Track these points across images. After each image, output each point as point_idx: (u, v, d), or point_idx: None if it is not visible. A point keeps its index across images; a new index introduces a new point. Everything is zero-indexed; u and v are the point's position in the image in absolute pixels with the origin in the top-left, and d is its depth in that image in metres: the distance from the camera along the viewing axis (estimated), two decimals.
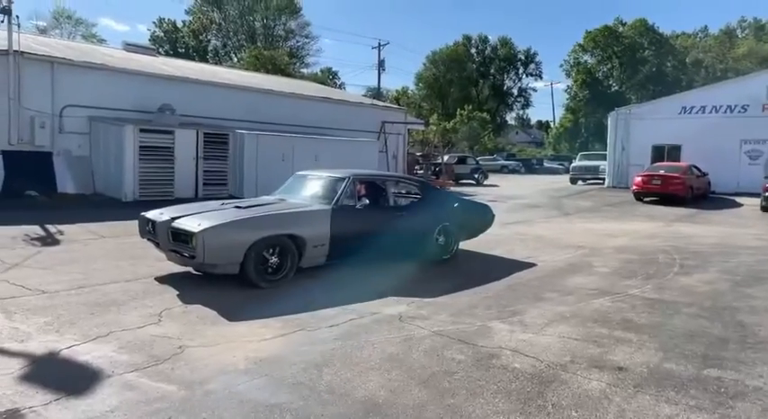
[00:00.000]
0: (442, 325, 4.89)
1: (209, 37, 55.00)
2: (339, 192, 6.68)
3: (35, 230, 9.01)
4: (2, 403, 3.16)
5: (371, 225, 6.76)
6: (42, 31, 42.46)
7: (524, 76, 69.49)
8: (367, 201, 7.16)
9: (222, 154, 15.27)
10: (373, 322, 4.93)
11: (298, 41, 56.75)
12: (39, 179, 12.72)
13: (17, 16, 13.28)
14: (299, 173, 7.73)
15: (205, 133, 14.91)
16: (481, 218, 8.24)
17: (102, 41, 46.08)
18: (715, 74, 51.91)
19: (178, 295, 5.55)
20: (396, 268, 6.79)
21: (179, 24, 53.47)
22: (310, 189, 7.12)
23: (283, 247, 5.99)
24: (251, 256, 5.70)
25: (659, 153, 23.84)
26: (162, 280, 6.14)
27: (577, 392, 3.56)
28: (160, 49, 40.46)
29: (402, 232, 6.96)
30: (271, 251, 5.91)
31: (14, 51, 12.99)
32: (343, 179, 6.89)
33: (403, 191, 8.20)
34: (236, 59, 51.32)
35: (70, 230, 9.19)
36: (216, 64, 41.87)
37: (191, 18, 54.06)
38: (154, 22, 53.77)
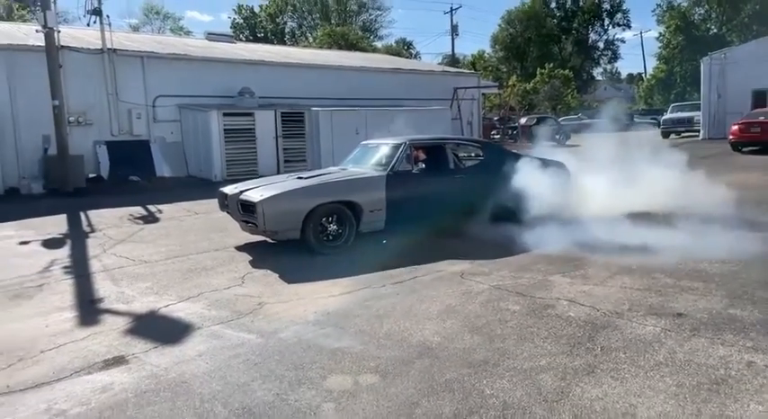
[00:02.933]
0: (502, 279, 5.03)
1: (285, 19, 56.35)
2: (395, 158, 6.84)
3: (138, 211, 10.02)
4: (110, 351, 3.74)
5: (429, 188, 6.83)
6: (135, 29, 45.58)
7: (611, 28, 65.09)
8: (423, 166, 7.25)
9: (300, 131, 15.92)
10: (435, 279, 5.17)
11: (370, 15, 56.79)
12: (139, 165, 13.98)
13: (107, 16, 14.47)
14: (364, 142, 7.99)
15: (282, 113, 15.58)
16: (555, 175, 8.06)
17: (188, 33, 48.68)
18: None
19: (259, 260, 6.08)
20: (459, 231, 6.89)
21: (256, 10, 55.17)
22: (371, 157, 7.34)
23: (341, 214, 6.28)
24: (310, 223, 6.06)
25: (761, 99, 21.72)
26: (244, 248, 6.72)
27: (629, 336, 3.62)
28: (240, 35, 42.17)
29: (462, 194, 6.96)
30: (329, 218, 6.23)
31: (108, 49, 14.21)
32: (399, 145, 7.02)
33: (465, 154, 8.17)
34: (311, 39, 52.30)
35: (168, 209, 10.13)
36: (293, 45, 43.02)
37: (267, 2, 55.55)
38: (234, 10, 55.92)
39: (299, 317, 4.25)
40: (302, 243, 6.18)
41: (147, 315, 4.49)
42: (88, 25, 14.41)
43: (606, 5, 63.65)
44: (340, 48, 35.63)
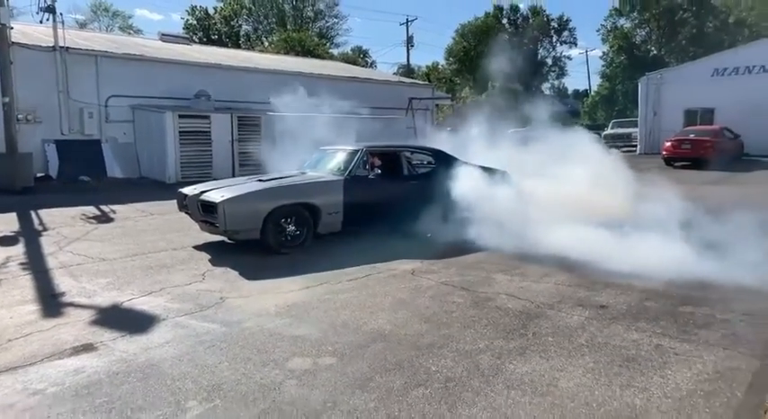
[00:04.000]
0: (449, 277, 5.47)
1: (240, 22, 55.86)
2: (352, 164, 7.22)
3: (91, 210, 9.96)
4: (77, 339, 3.92)
5: (384, 193, 7.19)
6: (82, 25, 44.16)
7: (558, 45, 67.93)
8: (379, 171, 7.60)
9: (256, 135, 16.04)
10: (388, 276, 5.55)
11: (327, 22, 57.04)
12: (90, 165, 13.78)
13: (61, 13, 14.24)
14: (322, 148, 8.30)
15: (239, 117, 15.68)
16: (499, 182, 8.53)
17: (138, 32, 47.56)
18: (760, 33, 49.58)
19: (217, 259, 6.29)
20: (411, 233, 7.30)
21: (211, 11, 54.46)
22: (328, 162, 7.68)
23: (300, 215, 6.59)
24: (269, 224, 6.33)
25: (692, 117, 23.41)
26: (203, 247, 6.91)
27: (558, 324, 4.10)
28: (194, 37, 41.56)
29: (415, 200, 7.27)
30: (288, 220, 6.51)
31: (60, 47, 13.97)
32: (356, 151, 7.40)
33: (419, 161, 8.44)
34: (267, 43, 52.09)
35: (121, 209, 10.11)
36: (248, 49, 42.73)
37: (221, 4, 54.96)
38: (187, 11, 54.97)
39: (260, 310, 4.53)
40: (262, 243, 6.44)
41: (110, 308, 4.65)
42: (41, 22, 14.12)
43: (554, 23, 66.45)
44: (297, 54, 35.78)
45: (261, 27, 56.98)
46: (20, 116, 12.44)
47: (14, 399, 3.05)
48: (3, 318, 4.34)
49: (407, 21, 46.28)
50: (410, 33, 46.18)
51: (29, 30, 15.15)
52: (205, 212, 6.55)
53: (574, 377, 3.23)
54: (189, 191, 7.08)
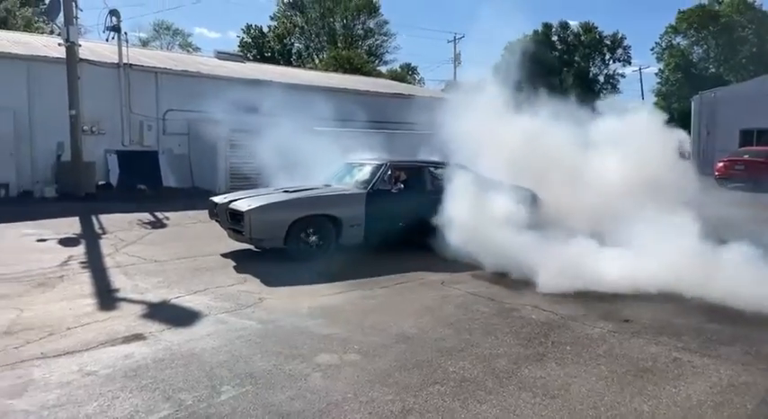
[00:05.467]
0: (477, 288, 5.62)
1: (292, 40, 57.70)
2: (375, 177, 7.39)
3: (146, 217, 10.60)
4: (128, 329, 4.30)
5: (406, 207, 7.28)
6: (144, 43, 46.69)
7: (611, 62, 66.76)
8: (401, 186, 7.67)
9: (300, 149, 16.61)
10: (418, 285, 5.76)
11: (376, 40, 58.18)
12: (147, 174, 14.60)
13: (125, 32, 15.30)
14: (348, 161, 8.39)
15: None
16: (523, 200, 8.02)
17: (196, 50, 49.83)
18: None
19: (258, 263, 6.62)
20: (441, 248, 7.31)
21: (265, 29, 56.53)
22: (353, 175, 7.85)
23: (322, 226, 6.80)
24: (292, 233, 6.56)
25: (748, 138, 22.60)
26: (246, 253, 7.26)
27: (578, 335, 4.20)
28: (248, 54, 43.21)
29: (436, 214, 7.06)
30: (311, 230, 6.72)
31: (124, 64, 14.97)
32: (380, 166, 7.57)
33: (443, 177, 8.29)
34: (317, 61, 53.55)
35: (174, 216, 10.72)
36: (299, 66, 44.11)
37: (275, 23, 56.98)
38: (242, 29, 57.21)
39: (294, 310, 4.82)
40: (285, 251, 6.64)
41: (159, 303, 5.04)
42: (107, 40, 15.18)
43: (607, 41, 65.38)
44: (345, 71, 36.65)
45: (312, 45, 58.64)
46: (85, 127, 13.38)
47: (71, 378, 3.42)
48: (64, 309, 4.79)
49: (455, 38, 46.66)
50: (457, 51, 46.45)
51: (97, 47, 16.29)
52: (233, 220, 6.85)
53: (586, 383, 3.34)
54: (219, 199, 7.42)
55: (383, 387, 3.27)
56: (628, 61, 66.66)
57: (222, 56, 22.82)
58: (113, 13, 14.79)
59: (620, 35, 64.70)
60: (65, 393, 3.20)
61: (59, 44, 13.04)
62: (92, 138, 13.88)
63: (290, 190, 7.42)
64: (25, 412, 2.98)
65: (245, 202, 6.81)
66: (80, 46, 13.21)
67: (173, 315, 4.70)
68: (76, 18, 13.37)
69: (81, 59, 13.45)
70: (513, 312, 4.78)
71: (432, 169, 8.06)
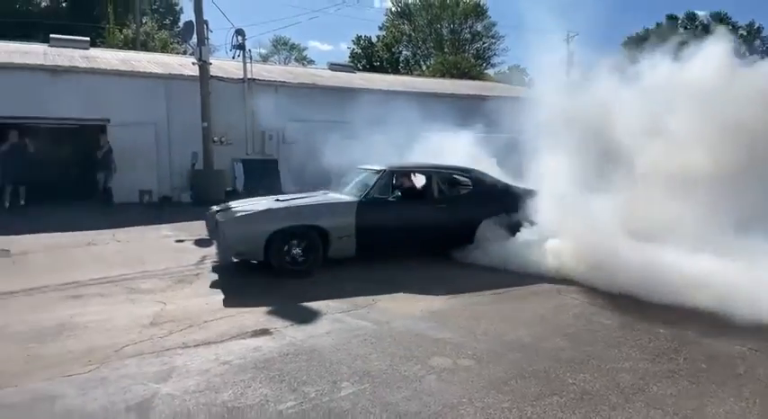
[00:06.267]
0: (595, 299, 5.34)
1: (400, 48, 58.72)
2: (371, 185, 6.82)
3: None
4: (256, 324, 4.62)
5: (406, 218, 6.70)
6: (264, 59, 49.96)
7: (747, 55, 60.40)
8: (399, 194, 7.13)
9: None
10: (530, 293, 5.60)
11: (484, 43, 57.50)
12: (268, 181, 15.60)
13: (249, 49, 16.50)
14: (358, 166, 7.76)
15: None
16: None
17: (310, 62, 52.41)
18: None
19: (373, 267, 6.63)
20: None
21: (374, 40, 58.09)
22: (355, 181, 7.35)
23: (308, 238, 6.24)
24: (273, 245, 6.08)
25: None
26: (362, 256, 7.49)
27: (714, 352, 3.86)
28: (358, 64, 44.64)
29: (441, 225, 6.78)
30: (295, 242, 6.18)
31: (248, 79, 16.14)
32: (379, 171, 6.99)
33: (454, 184, 7.61)
34: (424, 67, 54.01)
35: None
36: (406, 73, 44.79)
37: (384, 33, 58.34)
38: (352, 40, 59.29)
39: (407, 313, 4.91)
40: (267, 264, 6.21)
41: (283, 302, 5.35)
42: (233, 58, 16.47)
43: (742, 31, 59.25)
44: (452, 76, 36.62)
45: (419, 52, 59.25)
46: (215, 138, 14.60)
47: (209, 366, 3.76)
48: (200, 304, 5.26)
49: (569, 36, 44.74)
50: (571, 50, 44.50)
51: (224, 64, 17.70)
52: (216, 230, 6.62)
53: (724, 404, 3.08)
54: (215, 208, 7.14)
55: (499, 395, 3.24)
56: (767, 52, 59.92)
57: (335, 67, 23.80)
58: (239, 32, 16.02)
59: (756, 25, 58.35)
60: (204, 380, 3.53)
61: (193, 63, 14.36)
62: (221, 148, 15.09)
63: (282, 199, 7.05)
64: (170, 395, 3.33)
65: (228, 213, 6.58)
66: (211, 64, 14.45)
67: (294, 312, 4.97)
68: (207, 38, 14.68)
69: (211, 76, 14.72)
70: (638, 325, 4.50)
71: (444, 175, 7.40)
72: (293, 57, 57.29)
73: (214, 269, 6.80)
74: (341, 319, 4.76)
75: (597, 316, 4.77)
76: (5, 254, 7.55)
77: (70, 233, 7.37)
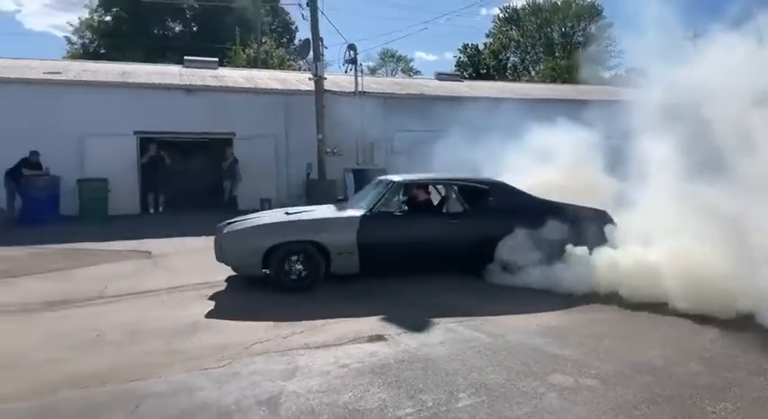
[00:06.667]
0: (731, 323, 4.86)
1: (507, 55, 57.64)
2: (378, 198, 6.47)
3: None
4: (372, 330, 4.73)
5: (413, 234, 6.33)
6: (372, 71, 51.43)
7: None
8: (407, 208, 6.74)
9: None
10: (653, 312, 5.21)
11: (598, 45, 54.77)
12: None
13: (361, 64, 17.07)
14: (379, 177, 7.46)
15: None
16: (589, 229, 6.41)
17: (416, 73, 53.13)
18: None
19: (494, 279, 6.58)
20: None
21: (480, 47, 57.56)
22: (367, 195, 7.06)
23: (307, 254, 6.01)
24: (273, 260, 5.92)
25: None
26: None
27: None
28: (464, 73, 44.46)
29: (454, 242, 6.36)
30: (295, 258, 5.99)
31: (359, 92, 16.69)
32: (388, 184, 6.65)
33: (471, 197, 7.01)
34: (533, 73, 52.54)
35: None
36: (514, 80, 43.82)
37: (491, 40, 57.62)
38: (459, 49, 59.21)
39: (522, 327, 4.78)
40: (267, 279, 6.10)
41: (396, 310, 5.42)
42: (345, 72, 17.12)
43: None
44: (563, 81, 35.25)
45: (528, 57, 57.76)
46: (328, 150, 15.25)
47: (329, 368, 3.92)
48: (318, 310, 5.48)
49: (695, 35, 41.33)
50: (696, 48, 41.03)
51: (336, 78, 18.45)
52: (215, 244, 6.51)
53: None
54: (225, 223, 6.77)
55: None
56: None
57: (442, 77, 23.91)
58: (351, 47, 16.63)
59: None
60: (325, 381, 3.68)
61: (309, 78, 15.14)
62: (333, 158, 15.73)
63: (291, 212, 6.82)
64: (296, 393, 3.51)
65: (233, 226, 6.43)
66: (325, 79, 15.14)
67: (407, 321, 5.01)
68: (322, 55, 15.43)
69: (325, 90, 15.41)
70: None
71: (459, 188, 6.92)
72: (400, 69, 58.37)
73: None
74: (453, 329, 4.74)
75: (738, 341, 4.33)
76: (147, 255, 8.42)
77: (204, 237, 8.03)
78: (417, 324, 4.91)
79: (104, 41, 35.85)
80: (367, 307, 5.47)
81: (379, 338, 4.53)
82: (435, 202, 7.36)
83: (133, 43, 33.35)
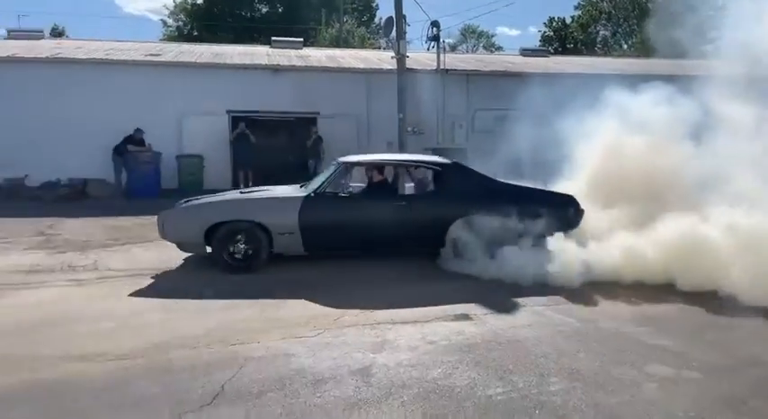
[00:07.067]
0: None
1: (597, 28, 54.58)
2: (323, 180, 6.40)
3: None
4: (455, 310, 4.72)
5: (357, 216, 6.18)
6: (452, 48, 50.49)
7: None
8: (351, 189, 6.67)
9: None
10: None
11: (701, 15, 50.64)
12: None
13: (443, 40, 16.79)
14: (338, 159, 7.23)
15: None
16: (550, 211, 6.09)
17: (498, 49, 51.59)
18: None
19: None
20: None
21: (568, 20, 54.85)
22: (321, 175, 6.99)
23: (251, 233, 5.98)
24: (217, 239, 5.94)
25: None
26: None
27: None
28: (549, 47, 42.61)
29: (399, 225, 6.15)
30: (240, 237, 5.97)
31: (441, 69, 16.47)
32: (337, 165, 6.56)
33: (422, 179, 6.99)
34: (625, 46, 49.49)
35: None
36: (604, 54, 41.53)
37: (579, 12, 54.72)
38: (544, 23, 56.71)
39: (616, 314, 4.63)
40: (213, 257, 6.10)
41: (481, 290, 5.40)
42: (427, 49, 16.94)
43: None
44: (661, 55, 32.90)
45: (620, 30, 54.40)
46: (408, 128, 15.23)
47: (417, 344, 3.99)
48: (403, 287, 5.57)
49: None
50: None
51: (417, 57, 18.33)
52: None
53: None
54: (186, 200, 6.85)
55: (736, 416, 2.89)
56: None
57: (527, 52, 23.09)
58: (434, 24, 16.37)
59: None
60: (414, 356, 3.76)
61: (392, 57, 15.12)
62: (413, 137, 15.70)
63: (245, 191, 6.88)
64: (386, 366, 3.61)
65: (181, 204, 6.55)
66: (408, 57, 15.06)
67: (493, 300, 4.96)
68: (405, 33, 15.32)
69: (407, 69, 15.34)
70: None
71: (409, 169, 6.80)
72: (481, 45, 56.89)
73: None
74: (541, 313, 4.67)
75: None
76: None
77: None
78: (504, 305, 4.87)
79: (197, 24, 37.58)
80: (451, 285, 5.51)
81: (465, 317, 4.54)
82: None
83: (224, 25, 34.75)
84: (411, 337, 4.11)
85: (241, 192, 6.91)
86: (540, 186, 6.86)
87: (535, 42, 50.53)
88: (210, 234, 5.98)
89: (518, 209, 5.98)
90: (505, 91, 16.70)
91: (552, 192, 6.61)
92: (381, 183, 6.85)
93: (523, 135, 14.92)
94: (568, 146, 10.52)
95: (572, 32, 54.90)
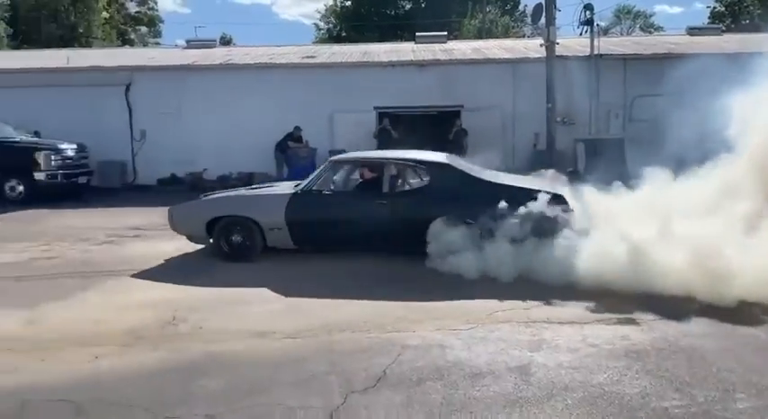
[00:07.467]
0: None
1: None
2: (311, 177, 6.71)
3: None
4: (619, 314, 4.45)
5: (340, 214, 6.33)
6: (605, 31, 47.04)
7: None
8: (333, 187, 6.79)
9: None
10: None
11: None
12: (612, 161, 14.74)
13: (598, 24, 15.72)
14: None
15: None
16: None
17: (658, 29, 47.03)
18: None
19: None
20: None
21: None
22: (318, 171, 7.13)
23: (246, 228, 6.47)
24: (217, 232, 6.53)
25: None
26: None
27: None
28: (722, 25, 37.89)
29: (381, 223, 6.15)
30: (237, 230, 6.48)
31: (595, 55, 15.45)
32: (326, 163, 6.94)
33: (408, 177, 6.95)
34: None
35: None
36: None
37: None
38: None
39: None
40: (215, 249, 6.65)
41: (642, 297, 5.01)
42: (580, 34, 15.99)
43: None
44: None
45: None
46: (558, 119, 14.57)
47: (578, 346, 3.83)
48: (556, 285, 5.35)
49: None
50: None
51: (566, 43, 17.33)
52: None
53: None
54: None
55: None
56: None
57: (694, 31, 20.78)
58: (587, 7, 15.40)
59: None
60: (575, 358, 3.62)
61: (541, 45, 14.54)
62: (562, 128, 14.99)
63: (252, 188, 7.77)
64: (545, 366, 3.52)
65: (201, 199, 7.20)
66: (558, 43, 14.38)
67: (658, 304, 4.57)
68: (554, 19, 14.62)
69: (557, 56, 14.64)
70: None
71: (397, 168, 6.71)
72: (638, 26, 52.29)
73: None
74: (720, 322, 4.21)
75: None
76: None
77: None
78: (672, 310, 4.47)
79: (345, 25, 39.48)
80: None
81: (630, 321, 4.27)
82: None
83: (370, 24, 36.06)
84: (570, 338, 3.97)
85: (249, 190, 7.77)
86: (558, 184, 6.62)
87: (703, 19, 45.31)
88: (211, 227, 6.67)
89: (499, 208, 5.74)
90: (668, 75, 15.22)
91: (540, 191, 6.09)
92: (368, 182, 7.05)
93: (689, 124, 13.51)
94: (744, 137, 9.32)
95: (747, 6, 48.13)
